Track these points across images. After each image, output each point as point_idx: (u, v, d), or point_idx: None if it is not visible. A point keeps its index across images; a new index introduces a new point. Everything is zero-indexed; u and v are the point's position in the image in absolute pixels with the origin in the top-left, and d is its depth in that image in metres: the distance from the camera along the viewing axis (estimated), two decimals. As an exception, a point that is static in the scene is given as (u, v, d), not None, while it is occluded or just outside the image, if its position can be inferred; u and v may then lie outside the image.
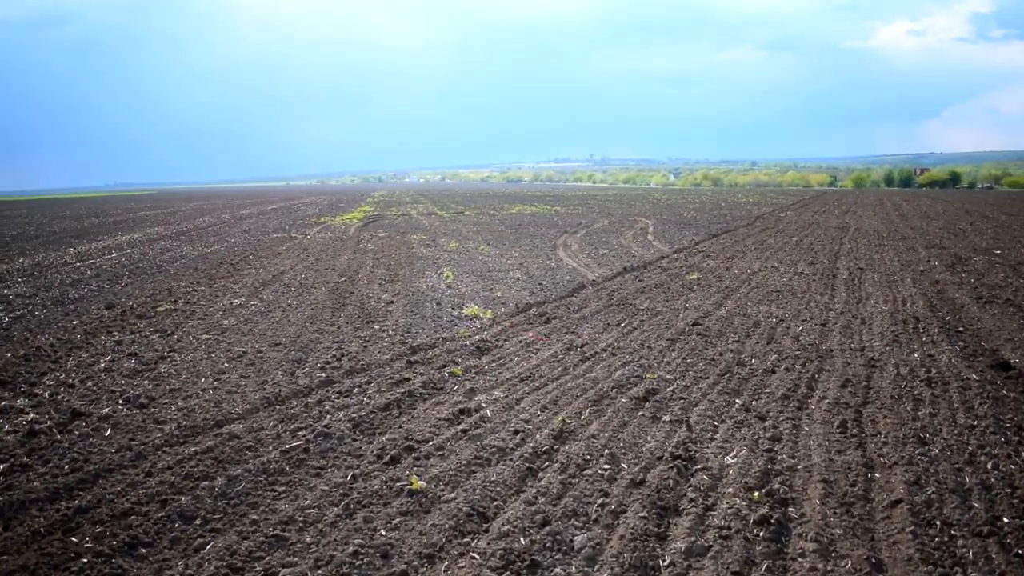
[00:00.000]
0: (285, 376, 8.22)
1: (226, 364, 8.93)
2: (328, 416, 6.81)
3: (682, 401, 7.29)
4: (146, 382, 8.19)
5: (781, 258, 19.51)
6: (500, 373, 8.37)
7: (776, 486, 5.30)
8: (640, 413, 6.93)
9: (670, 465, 5.66)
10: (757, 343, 9.83)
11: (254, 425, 6.57)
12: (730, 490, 5.27)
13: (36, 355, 9.48)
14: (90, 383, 8.18)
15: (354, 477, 5.46)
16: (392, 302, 13.26)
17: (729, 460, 5.84)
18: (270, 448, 6.04)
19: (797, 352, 9.27)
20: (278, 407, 7.13)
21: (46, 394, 7.77)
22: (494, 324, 11.23)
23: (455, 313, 12.15)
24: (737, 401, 7.32)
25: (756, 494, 5.15)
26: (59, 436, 6.42)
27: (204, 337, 10.53)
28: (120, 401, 7.44)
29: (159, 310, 12.82)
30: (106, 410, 7.16)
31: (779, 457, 5.89)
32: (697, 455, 5.93)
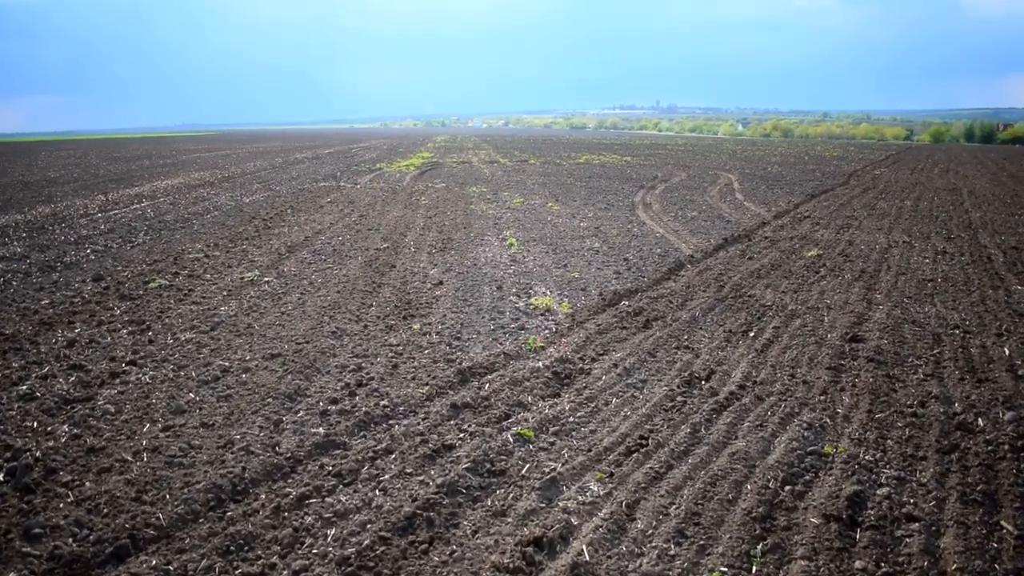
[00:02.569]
0: (264, 430, 5.38)
1: (191, 395, 6.15)
2: (304, 544, 3.96)
3: (915, 526, 4.22)
4: (63, 429, 5.47)
5: (907, 229, 16.02)
6: (593, 434, 5.39)
7: None
8: (855, 562, 3.90)
9: None
10: (961, 378, 6.67)
11: (170, 569, 3.75)
12: None
13: (-52, 364, 6.88)
14: (-17, 426, 5.51)
15: None
16: (441, 283, 10.38)
17: None
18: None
19: (1034, 399, 6.10)
20: (228, 511, 4.29)
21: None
22: (574, 326, 8.27)
23: (521, 305, 9.21)
24: (1007, 527, 4.23)
25: None
26: None
27: (184, 337, 7.81)
28: (-1, 475, 4.72)
29: (151, 286, 10.20)
30: (-37, 496, 4.45)
31: None
32: None
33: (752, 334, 8.02)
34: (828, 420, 5.66)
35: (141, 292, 9.94)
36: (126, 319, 8.60)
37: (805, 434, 5.35)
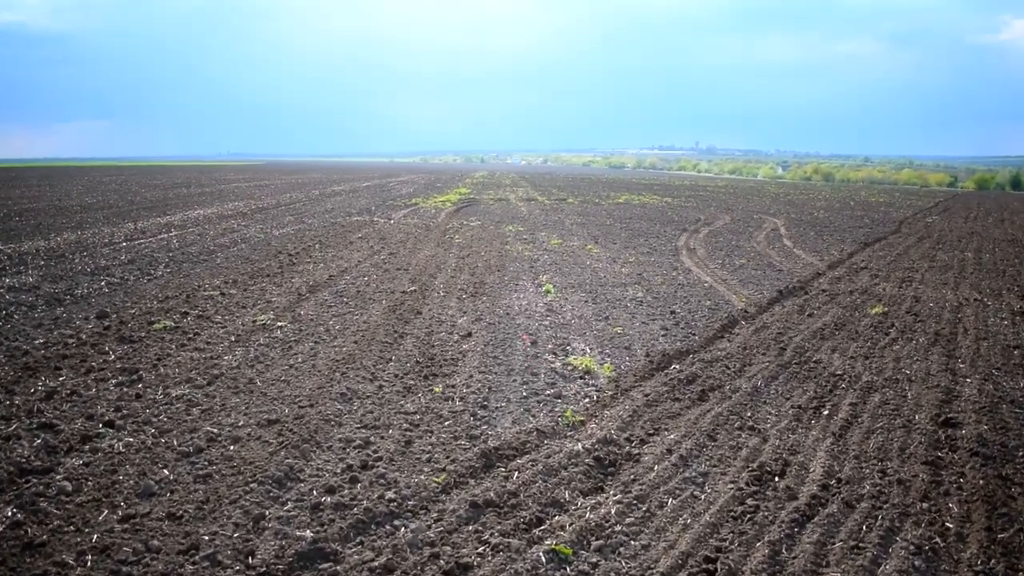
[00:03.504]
0: (239, 529, 4.38)
1: (165, 471, 5.19)
2: None
3: None
4: (5, 514, 4.53)
5: (975, 285, 14.78)
6: (647, 552, 4.31)
7: None
8: None
9: None
10: (1090, 481, 5.50)
11: None
12: None
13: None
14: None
15: None
16: (470, 335, 9.40)
17: None
18: None
19: None
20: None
21: None
22: (618, 394, 7.21)
23: (557, 365, 8.18)
24: None
25: None
26: None
27: (176, 392, 6.90)
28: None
29: (155, 327, 9.36)
30: None
31: None
32: None
33: (826, 412, 6.90)
34: (939, 540, 4.53)
35: (143, 334, 9.10)
36: (118, 367, 7.73)
37: (915, 563, 4.22)
